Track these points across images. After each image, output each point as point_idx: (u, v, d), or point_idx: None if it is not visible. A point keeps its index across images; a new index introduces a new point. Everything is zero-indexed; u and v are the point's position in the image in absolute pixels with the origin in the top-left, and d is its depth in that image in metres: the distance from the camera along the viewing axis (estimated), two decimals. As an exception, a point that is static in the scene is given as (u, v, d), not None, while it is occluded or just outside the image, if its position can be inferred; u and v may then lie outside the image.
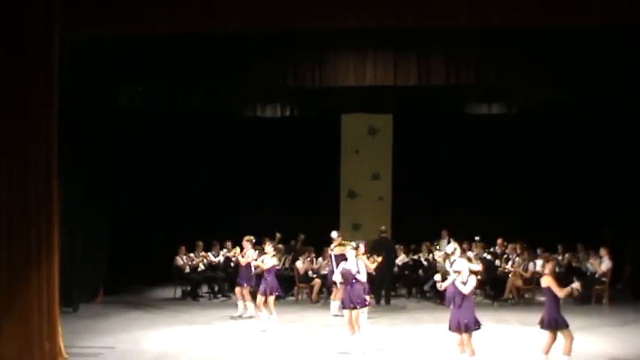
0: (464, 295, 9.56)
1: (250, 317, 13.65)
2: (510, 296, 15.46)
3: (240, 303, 13.90)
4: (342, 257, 14.09)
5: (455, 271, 9.75)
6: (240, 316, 13.74)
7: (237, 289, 13.93)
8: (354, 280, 11.02)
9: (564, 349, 9.78)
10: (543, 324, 9.82)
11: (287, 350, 11.42)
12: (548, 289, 9.76)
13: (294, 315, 14.12)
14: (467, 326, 9.55)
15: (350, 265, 11.14)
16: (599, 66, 12.51)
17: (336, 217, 18.77)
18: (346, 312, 11.16)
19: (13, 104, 10.50)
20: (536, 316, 10.05)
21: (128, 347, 11.55)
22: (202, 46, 12.82)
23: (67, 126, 11.45)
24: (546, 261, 10.56)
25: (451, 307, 9.75)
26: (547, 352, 9.87)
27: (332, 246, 14.29)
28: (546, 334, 9.85)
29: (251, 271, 13.72)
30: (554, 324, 9.72)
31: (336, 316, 13.83)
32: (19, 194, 10.50)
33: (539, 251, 16.18)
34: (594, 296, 14.90)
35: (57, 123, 10.65)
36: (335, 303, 14.11)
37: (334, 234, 14.49)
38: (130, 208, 16.94)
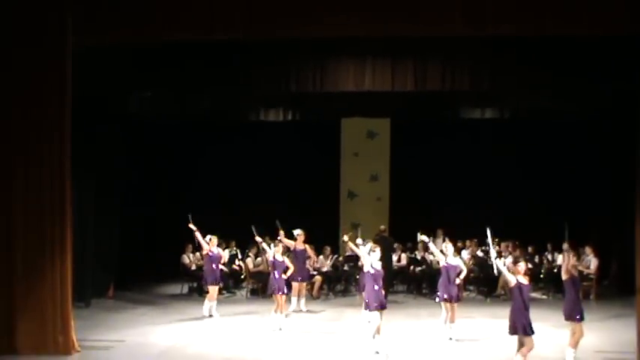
0: None
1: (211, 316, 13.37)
2: (502, 292, 15.49)
3: (214, 303, 13.46)
4: (304, 252, 14.16)
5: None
6: (211, 315, 13.38)
7: (214, 289, 13.52)
8: (376, 285, 10.52)
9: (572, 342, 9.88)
10: (571, 317, 9.83)
11: (290, 344, 11.45)
12: (570, 281, 9.80)
13: (296, 310, 14.10)
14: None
15: (376, 264, 10.63)
16: (585, 73, 12.55)
17: (336, 216, 18.83)
18: (377, 314, 10.47)
19: (29, 107, 10.59)
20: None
21: (137, 341, 11.60)
22: (209, 53, 12.85)
23: (79, 129, 11.50)
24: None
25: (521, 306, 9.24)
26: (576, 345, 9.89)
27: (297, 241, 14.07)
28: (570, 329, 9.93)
29: (217, 269, 13.60)
30: (582, 315, 9.80)
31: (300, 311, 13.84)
32: (34, 195, 10.59)
33: (529, 249, 16.24)
34: (583, 292, 14.91)
35: (70, 125, 10.72)
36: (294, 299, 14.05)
37: (297, 231, 14.14)
38: (140, 208, 16.96)
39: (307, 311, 14.06)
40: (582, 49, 12.06)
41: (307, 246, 14.45)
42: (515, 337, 9.27)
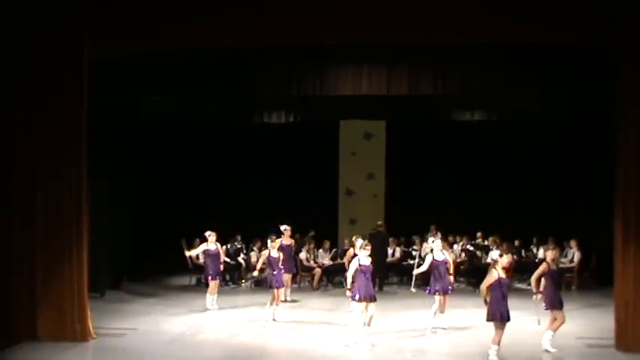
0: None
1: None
2: (490, 283, 15.60)
3: (215, 296, 13.51)
4: (289, 248, 14.09)
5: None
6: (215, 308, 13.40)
7: (215, 283, 13.57)
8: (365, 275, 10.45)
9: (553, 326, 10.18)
10: (553, 306, 10.11)
11: (291, 333, 11.56)
12: (551, 273, 10.11)
13: (298, 301, 14.29)
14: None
15: (364, 260, 10.50)
16: (568, 79, 12.68)
17: (335, 212, 18.95)
18: (364, 305, 10.43)
19: (48, 114, 10.68)
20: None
21: (149, 328, 11.71)
22: (217, 59, 12.92)
23: (95, 131, 11.56)
24: (545, 250, 10.82)
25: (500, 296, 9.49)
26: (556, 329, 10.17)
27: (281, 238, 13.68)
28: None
29: (217, 264, 13.67)
30: (561, 303, 10.08)
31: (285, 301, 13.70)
32: (53, 195, 10.68)
33: (516, 243, 16.38)
34: (565, 283, 15.11)
35: (86, 131, 10.79)
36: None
37: (283, 227, 14.05)
38: (151, 205, 17.09)
39: (291, 301, 14.05)
40: (566, 55, 12.17)
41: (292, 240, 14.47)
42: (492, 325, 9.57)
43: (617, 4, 10.14)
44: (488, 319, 9.61)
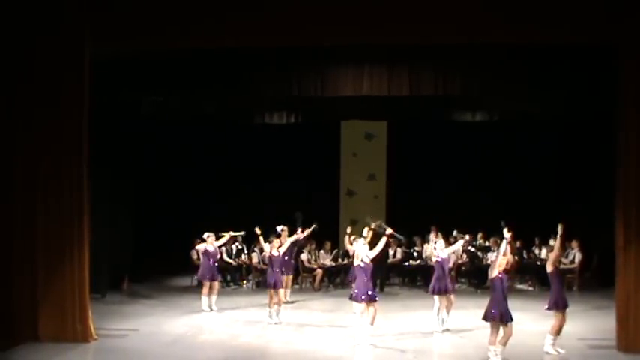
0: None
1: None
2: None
3: (213, 297, 13.49)
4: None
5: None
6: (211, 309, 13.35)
7: (216, 284, 13.61)
8: (365, 277, 10.52)
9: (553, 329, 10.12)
10: (555, 306, 10.08)
11: (292, 334, 11.58)
12: (552, 273, 10.06)
13: (298, 302, 14.31)
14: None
15: (366, 257, 10.64)
16: (568, 79, 12.69)
17: (336, 213, 18.94)
18: (363, 305, 10.56)
19: (49, 117, 10.70)
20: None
21: (150, 329, 11.72)
22: (217, 59, 12.93)
23: (96, 131, 11.58)
24: (549, 251, 10.80)
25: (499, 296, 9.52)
26: (556, 332, 10.15)
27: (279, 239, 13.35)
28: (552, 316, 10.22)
29: (213, 265, 13.63)
30: (564, 304, 10.05)
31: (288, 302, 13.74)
32: (54, 196, 10.70)
33: (518, 243, 16.35)
34: (566, 283, 15.07)
35: (87, 134, 10.80)
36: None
37: (280, 227, 13.87)
38: (151, 205, 17.09)
39: (290, 302, 14.01)
40: (566, 55, 12.18)
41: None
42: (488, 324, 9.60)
43: (618, 4, 10.17)
44: (485, 319, 9.61)
